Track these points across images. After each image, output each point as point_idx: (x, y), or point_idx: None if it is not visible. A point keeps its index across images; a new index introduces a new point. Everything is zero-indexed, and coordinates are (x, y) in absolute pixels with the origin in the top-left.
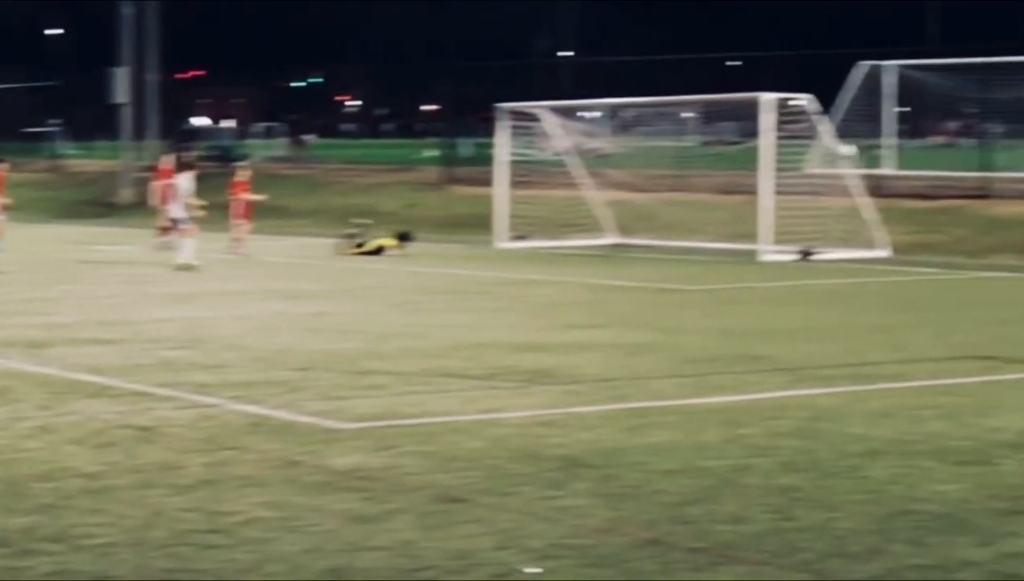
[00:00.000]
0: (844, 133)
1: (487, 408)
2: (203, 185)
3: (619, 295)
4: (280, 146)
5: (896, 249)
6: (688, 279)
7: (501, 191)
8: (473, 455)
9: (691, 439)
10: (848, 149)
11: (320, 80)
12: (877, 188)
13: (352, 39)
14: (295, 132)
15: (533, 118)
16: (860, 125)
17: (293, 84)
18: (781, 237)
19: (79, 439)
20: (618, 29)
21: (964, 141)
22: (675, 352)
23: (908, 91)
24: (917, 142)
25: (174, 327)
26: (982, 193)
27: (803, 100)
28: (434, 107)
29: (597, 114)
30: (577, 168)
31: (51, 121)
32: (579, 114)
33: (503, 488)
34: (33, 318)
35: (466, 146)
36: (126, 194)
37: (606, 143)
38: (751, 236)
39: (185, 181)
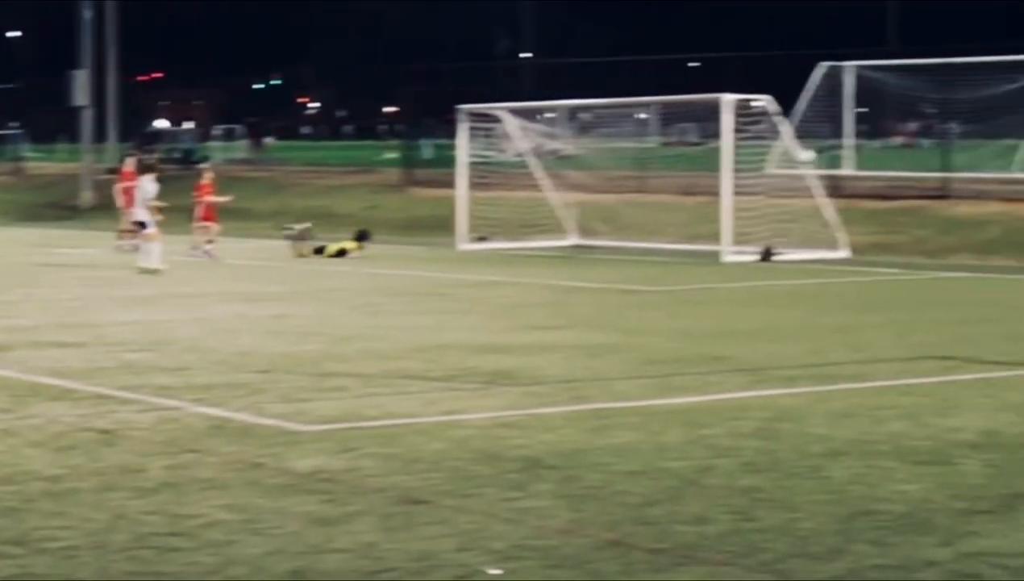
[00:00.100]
0: (804, 134)
1: (448, 410)
2: (165, 187)
3: (580, 296)
4: (240, 148)
5: (857, 249)
6: (649, 280)
7: (462, 193)
8: (435, 457)
9: (653, 440)
10: (807, 154)
11: (280, 82)
12: (837, 189)
13: (312, 41)
14: (255, 134)
15: (494, 120)
16: (820, 126)
17: (253, 86)
18: (742, 238)
19: (40, 442)
20: (579, 30)
21: (924, 141)
22: (637, 353)
23: (868, 92)
24: (877, 142)
25: (135, 330)
26: (942, 193)
27: (762, 101)
28: (394, 109)
29: (558, 115)
30: (538, 169)
31: (11, 124)
32: (540, 115)
33: (465, 490)
34: None
35: (427, 148)
36: (87, 197)
37: (567, 144)
38: (712, 237)
39: (148, 184)
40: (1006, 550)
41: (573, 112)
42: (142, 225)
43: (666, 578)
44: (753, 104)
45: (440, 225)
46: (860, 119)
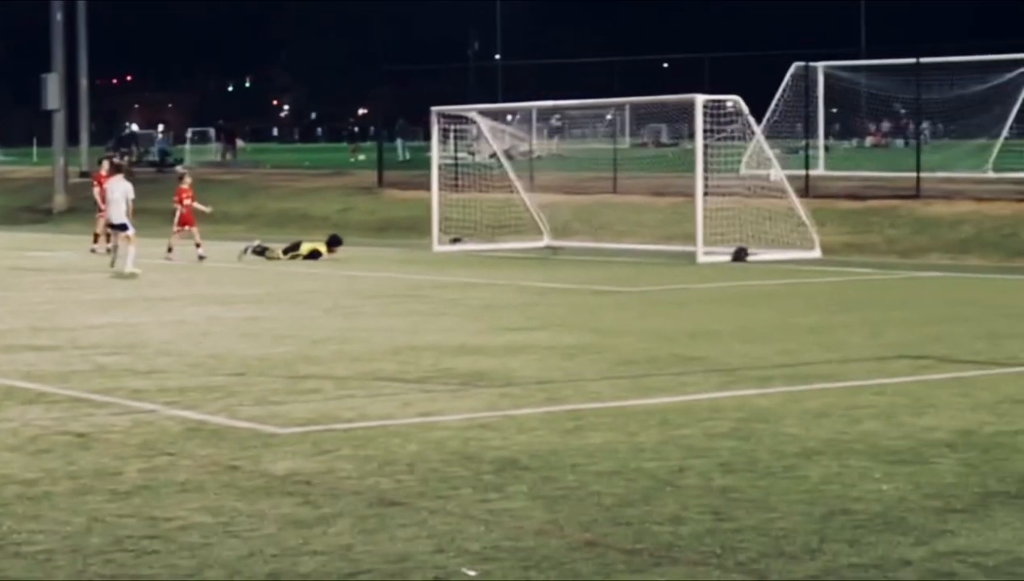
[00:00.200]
0: (776, 134)
1: (423, 411)
2: (142, 190)
3: (554, 297)
4: (212, 151)
5: (829, 249)
6: (623, 281)
7: (436, 195)
8: (410, 458)
9: (628, 441)
10: (776, 173)
11: (252, 85)
12: (810, 189)
13: (285, 44)
14: (227, 137)
15: (467, 121)
16: (793, 126)
17: (225, 88)
18: (715, 238)
19: (15, 446)
20: (551, 32)
21: (896, 141)
22: (611, 354)
23: (840, 92)
24: (850, 143)
25: (109, 333)
26: (914, 193)
27: (730, 101)
28: (367, 111)
29: (531, 117)
30: (511, 171)
31: None
32: (513, 117)
33: (440, 491)
34: None
35: (401, 150)
36: (61, 200)
37: (540, 146)
38: (685, 237)
39: (121, 185)
40: (981, 549)
41: (547, 113)
42: (123, 227)
43: (643, 578)
44: (724, 104)
45: (414, 227)
46: (832, 119)
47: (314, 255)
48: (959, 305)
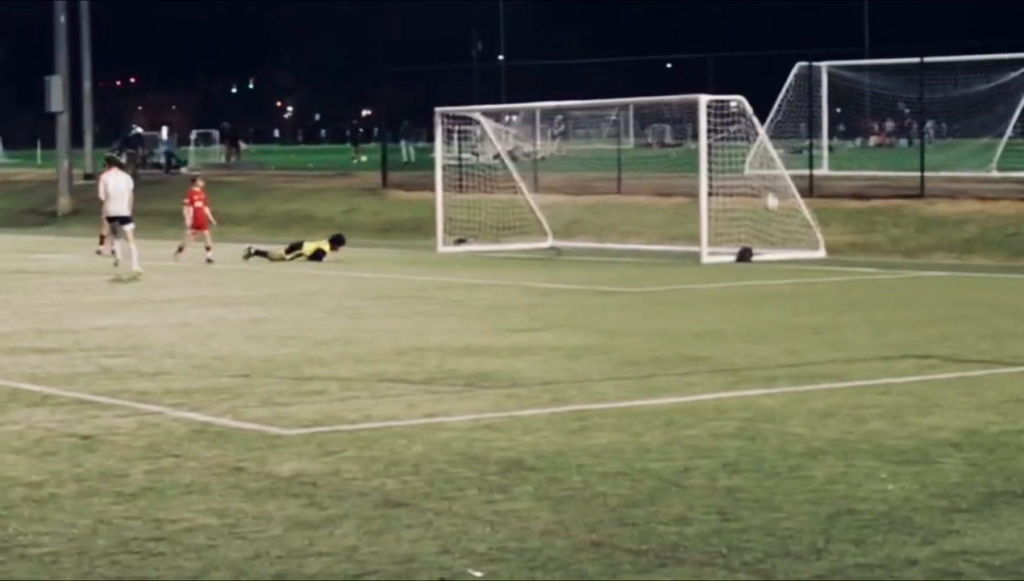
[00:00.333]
0: (780, 134)
1: (429, 412)
2: (149, 192)
3: (559, 298)
4: (216, 153)
5: (834, 249)
6: (628, 281)
7: (440, 196)
8: (415, 460)
9: (633, 441)
10: (773, 201)
11: (255, 86)
12: (814, 188)
13: (287, 45)
14: (231, 138)
15: (471, 122)
16: (797, 126)
17: (228, 90)
18: (720, 239)
19: (21, 448)
20: (554, 32)
21: (900, 141)
22: (616, 354)
23: (844, 92)
24: (853, 142)
25: (114, 335)
26: (918, 193)
27: (733, 101)
28: (370, 112)
29: (534, 117)
30: (515, 171)
31: None
32: (517, 117)
33: (446, 492)
34: None
35: (406, 150)
36: (65, 203)
37: (544, 146)
38: (690, 238)
39: (123, 178)
40: (987, 548)
41: (550, 114)
42: (127, 220)
43: (649, 579)
44: (728, 104)
45: (418, 228)
46: (836, 119)
47: (318, 255)
48: (964, 305)
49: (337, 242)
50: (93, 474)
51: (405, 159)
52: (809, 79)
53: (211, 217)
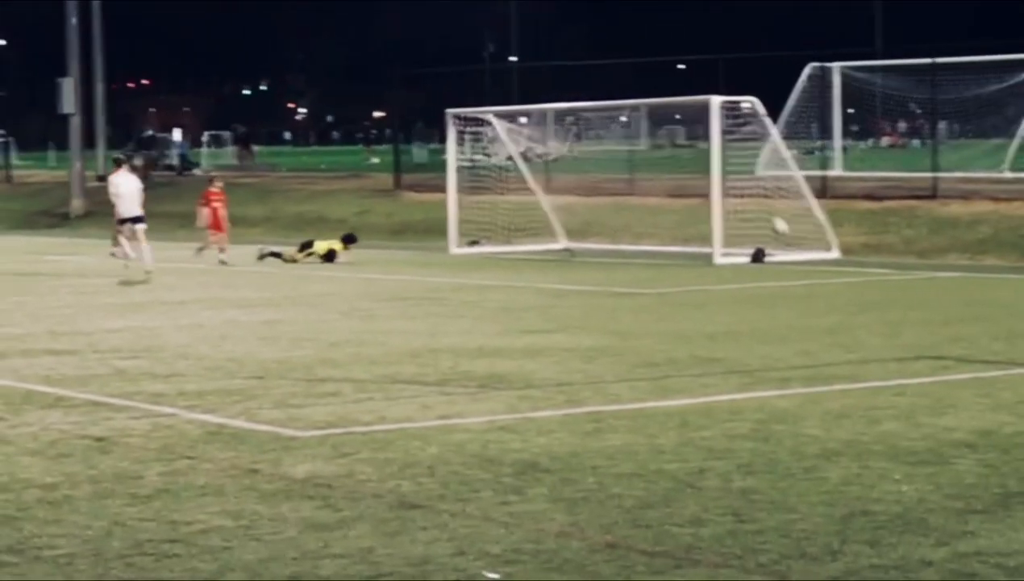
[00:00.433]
0: (793, 135)
1: (443, 414)
2: (160, 194)
3: (572, 299)
4: (228, 155)
5: (847, 250)
6: (641, 282)
7: (453, 197)
8: (430, 461)
9: (648, 442)
10: (782, 225)
11: (268, 88)
12: (827, 189)
13: (299, 47)
14: (243, 140)
15: (483, 123)
16: (809, 127)
17: (240, 92)
18: (732, 239)
19: (35, 450)
20: (566, 34)
21: (913, 141)
22: (630, 356)
23: (856, 92)
24: (866, 143)
25: (127, 337)
26: (931, 193)
27: (746, 102)
28: (383, 114)
29: (546, 118)
30: (528, 173)
31: None
32: (529, 119)
33: (461, 494)
34: None
35: (418, 152)
36: (78, 204)
37: (556, 147)
38: (703, 239)
39: (133, 179)
40: (1002, 549)
41: (562, 115)
42: (140, 219)
43: (664, 580)
44: (740, 105)
45: (431, 229)
46: (849, 120)
47: (330, 256)
48: (977, 305)
49: (349, 241)
50: (108, 476)
51: (417, 160)
52: (821, 80)
53: (226, 219)
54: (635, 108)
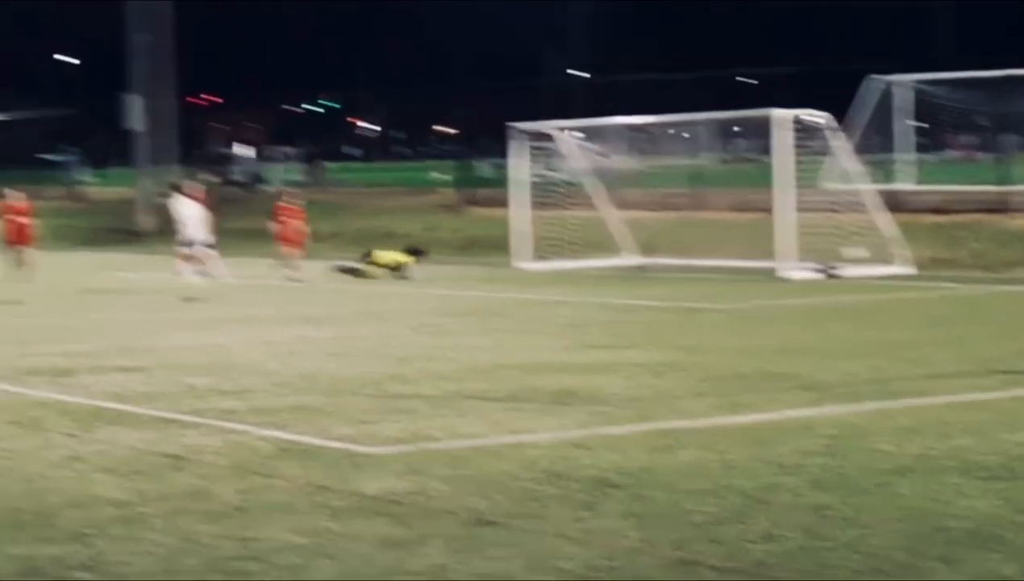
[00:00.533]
0: (862, 149)
1: (513, 430)
2: (230, 210)
3: (640, 315)
4: (297, 171)
5: (915, 264)
6: (709, 298)
7: (518, 212)
8: (502, 478)
9: (719, 458)
10: (859, 252)
11: (335, 104)
12: (894, 203)
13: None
14: (312, 157)
15: (548, 138)
16: (872, 140)
17: (308, 108)
18: (801, 254)
19: (108, 467)
20: (630, 48)
21: (980, 155)
22: (699, 371)
23: (922, 105)
24: (933, 156)
25: (197, 353)
26: (1000, 207)
27: (821, 118)
28: (451, 129)
29: (611, 133)
30: (594, 188)
31: (67, 149)
32: (594, 133)
33: (533, 510)
34: (56, 346)
35: (485, 167)
36: (147, 221)
37: (621, 162)
38: (769, 254)
39: (196, 206)
40: None
41: (627, 129)
42: (202, 244)
43: None
44: (809, 119)
45: (497, 245)
46: (916, 133)
47: (403, 271)
48: None
49: (416, 253)
50: (180, 493)
51: (483, 175)
52: (886, 93)
53: (301, 235)
54: (701, 122)
